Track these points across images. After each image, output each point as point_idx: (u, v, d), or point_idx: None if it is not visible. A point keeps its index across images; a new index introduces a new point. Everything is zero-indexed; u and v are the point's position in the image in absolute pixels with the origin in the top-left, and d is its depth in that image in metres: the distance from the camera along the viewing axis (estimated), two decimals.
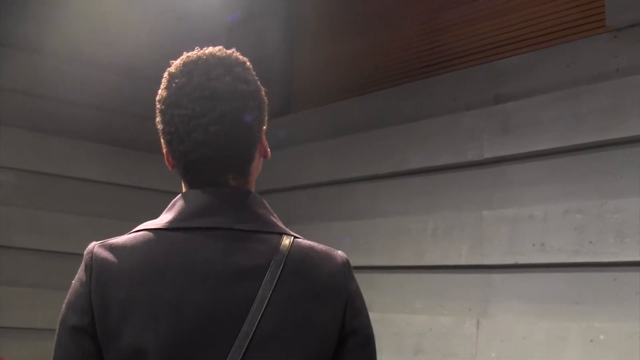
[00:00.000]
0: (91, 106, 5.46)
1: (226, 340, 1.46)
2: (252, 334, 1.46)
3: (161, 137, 1.62)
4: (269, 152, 1.70)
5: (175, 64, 1.64)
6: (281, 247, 1.54)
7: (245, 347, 1.45)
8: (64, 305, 1.55)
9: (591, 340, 3.58)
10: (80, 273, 1.55)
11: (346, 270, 1.60)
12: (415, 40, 4.83)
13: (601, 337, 3.54)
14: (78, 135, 5.42)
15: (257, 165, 1.67)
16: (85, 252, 1.56)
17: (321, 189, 5.14)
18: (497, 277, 4.05)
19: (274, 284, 1.49)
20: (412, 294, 4.46)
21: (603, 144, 3.67)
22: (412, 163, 4.58)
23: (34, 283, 5.19)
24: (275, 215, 1.63)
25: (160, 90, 1.62)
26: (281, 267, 1.51)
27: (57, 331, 1.54)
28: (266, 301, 1.48)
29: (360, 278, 4.59)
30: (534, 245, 3.87)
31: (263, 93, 1.67)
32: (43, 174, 5.32)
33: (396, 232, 4.59)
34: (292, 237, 1.58)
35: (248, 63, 1.66)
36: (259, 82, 1.66)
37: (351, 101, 5.12)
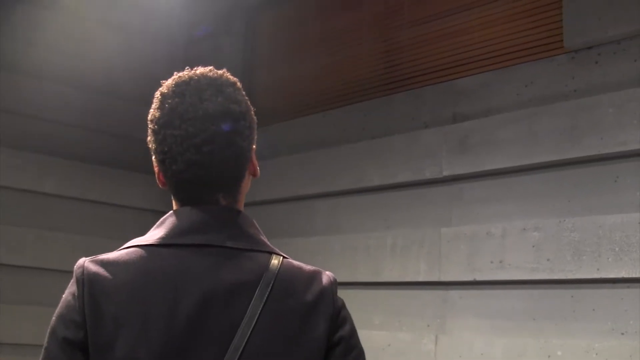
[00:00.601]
0: (47, 120, 5.45)
1: (216, 355, 1.47)
2: (241, 349, 1.46)
3: (153, 156, 1.63)
4: (258, 171, 1.71)
5: (167, 84, 1.64)
6: (271, 266, 1.55)
7: None
8: (54, 318, 1.53)
9: (549, 356, 3.63)
10: (71, 287, 1.54)
11: (334, 289, 1.61)
12: (374, 59, 4.87)
13: (559, 353, 3.60)
14: (33, 149, 5.39)
15: (246, 183, 1.68)
16: (75, 266, 1.54)
17: (279, 205, 5.15)
18: (455, 294, 4.09)
19: (264, 301, 1.50)
20: (370, 310, 4.48)
21: (560, 164, 3.74)
22: (371, 180, 4.61)
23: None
24: (264, 235, 1.65)
25: (152, 110, 1.63)
26: (271, 285, 1.52)
27: (45, 343, 1.53)
28: (256, 318, 1.48)
29: None
30: (492, 262, 3.92)
31: (253, 113, 1.68)
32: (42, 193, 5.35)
33: (354, 249, 4.61)
34: (282, 257, 1.59)
35: (239, 84, 1.67)
36: (249, 102, 1.67)
37: (309, 119, 5.15)
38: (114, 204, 5.71)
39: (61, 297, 1.55)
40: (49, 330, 1.53)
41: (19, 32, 5.30)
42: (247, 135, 1.63)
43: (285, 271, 1.56)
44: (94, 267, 1.52)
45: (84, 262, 1.54)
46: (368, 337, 4.39)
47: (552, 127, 3.79)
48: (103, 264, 1.53)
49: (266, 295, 1.51)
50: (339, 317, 1.59)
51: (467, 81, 4.26)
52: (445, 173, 4.21)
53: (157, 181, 1.65)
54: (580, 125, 3.69)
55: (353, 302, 4.46)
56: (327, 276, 1.62)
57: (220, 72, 1.66)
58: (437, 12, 4.51)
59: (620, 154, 3.54)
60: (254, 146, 1.68)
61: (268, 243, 1.62)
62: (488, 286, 3.95)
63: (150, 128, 1.61)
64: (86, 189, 5.63)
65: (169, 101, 1.59)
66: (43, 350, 1.52)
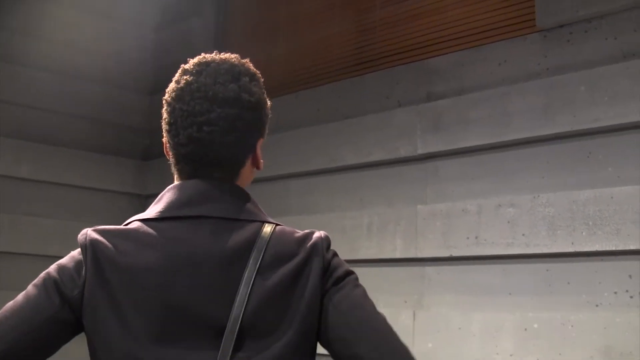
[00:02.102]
0: (19, 104, 5.44)
1: (216, 325, 1.52)
2: (241, 316, 1.52)
3: (163, 127, 1.70)
4: (262, 164, 1.77)
5: (192, 61, 1.71)
6: (263, 233, 1.60)
7: (236, 332, 1.51)
8: (53, 265, 1.59)
9: (525, 329, 3.71)
10: (74, 252, 1.60)
11: (324, 243, 1.65)
12: (346, 39, 4.90)
13: (535, 326, 3.68)
14: (7, 134, 5.38)
15: (247, 172, 1.74)
16: (79, 235, 1.60)
17: (254, 185, 5.17)
18: (432, 270, 4.16)
19: (257, 267, 1.56)
20: None
21: (533, 140, 3.82)
22: (346, 159, 4.66)
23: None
24: (259, 206, 1.70)
25: (171, 84, 1.70)
26: (263, 251, 1.57)
27: (33, 282, 1.59)
28: (251, 284, 1.54)
29: None
30: (468, 238, 3.99)
31: (267, 107, 1.75)
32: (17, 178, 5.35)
33: (331, 228, 4.65)
34: (274, 225, 1.65)
35: (258, 75, 1.75)
36: (264, 96, 1.74)
37: (282, 99, 5.16)
38: (89, 188, 5.71)
39: None
40: (41, 274, 1.59)
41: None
42: (253, 126, 1.70)
43: (277, 237, 1.62)
44: (96, 235, 1.58)
45: (87, 230, 1.61)
46: None
47: (525, 105, 3.85)
48: (104, 233, 1.59)
49: (259, 262, 1.56)
50: (330, 266, 1.63)
51: (440, 60, 4.31)
52: (420, 151, 4.27)
53: (165, 151, 1.73)
54: (552, 103, 3.76)
55: None
56: (317, 234, 1.68)
57: (243, 60, 1.74)
58: None
59: (592, 130, 3.61)
60: (262, 139, 1.73)
61: (262, 213, 1.68)
62: (464, 262, 4.02)
63: (164, 99, 1.68)
64: (61, 173, 5.62)
65: (186, 77, 1.66)
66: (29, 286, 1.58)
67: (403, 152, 4.35)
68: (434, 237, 4.14)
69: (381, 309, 4.15)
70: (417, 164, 4.32)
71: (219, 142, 1.64)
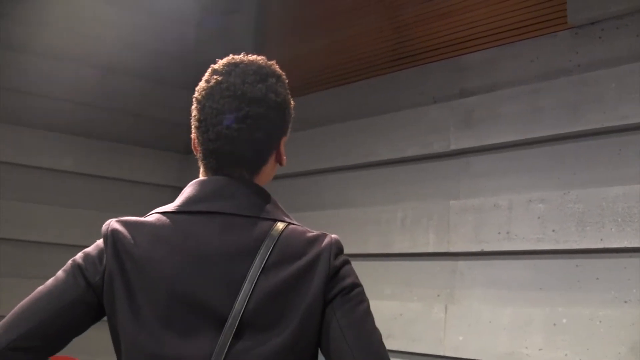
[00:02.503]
0: (63, 99, 5.57)
1: (219, 317, 1.61)
2: (242, 311, 1.60)
3: (192, 123, 1.79)
4: (285, 160, 1.85)
5: (221, 62, 1.80)
6: (273, 231, 1.67)
7: (236, 324, 1.59)
8: (79, 253, 1.72)
9: (554, 324, 3.74)
10: (99, 240, 1.72)
11: (333, 249, 1.71)
12: (382, 36, 4.95)
13: (564, 321, 3.71)
14: (51, 127, 5.53)
15: (270, 169, 1.83)
16: (103, 225, 1.72)
17: (291, 180, 5.27)
18: (463, 265, 4.21)
19: (262, 265, 1.63)
20: (382, 281, 4.61)
21: (564, 137, 3.84)
22: (381, 155, 4.72)
23: (6, 272, 5.29)
24: (278, 205, 1.78)
25: (201, 82, 1.79)
26: (270, 250, 1.64)
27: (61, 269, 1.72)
28: (254, 281, 1.61)
29: None
30: (499, 233, 4.03)
31: (291, 107, 1.83)
32: (16, 165, 5.43)
33: (365, 222, 4.73)
34: (287, 223, 1.72)
35: (284, 77, 1.83)
36: (289, 97, 1.82)
37: (320, 95, 5.25)
38: (132, 181, 5.84)
39: None
40: (69, 260, 1.72)
41: (31, 13, 5.39)
42: (278, 124, 1.78)
43: (287, 236, 1.68)
44: (118, 226, 1.70)
45: (111, 220, 1.72)
46: (380, 307, 4.50)
47: (555, 102, 3.88)
48: (126, 224, 1.70)
49: (265, 260, 1.63)
50: (338, 274, 1.69)
51: (473, 57, 4.35)
52: (453, 147, 4.31)
53: (192, 147, 1.82)
54: (583, 100, 3.78)
55: (365, 273, 4.58)
56: (328, 238, 1.74)
57: (270, 62, 1.81)
58: None
59: (622, 127, 3.63)
60: (286, 137, 1.81)
61: (277, 211, 1.75)
62: (495, 257, 4.06)
63: (194, 97, 1.78)
64: (104, 167, 5.76)
65: (216, 77, 1.75)
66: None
67: (436, 147, 4.40)
68: (465, 231, 4.19)
69: (414, 302, 4.24)
70: (449, 159, 4.36)
71: (246, 139, 1.72)
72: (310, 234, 1.73)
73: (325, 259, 1.68)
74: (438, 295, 4.30)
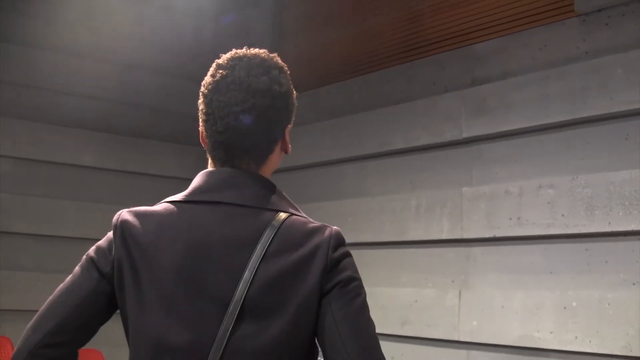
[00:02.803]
0: (84, 95, 5.68)
1: (220, 303, 1.67)
2: (242, 299, 1.65)
3: (200, 117, 1.84)
4: (290, 148, 1.90)
5: (225, 57, 1.84)
6: (274, 222, 1.72)
7: (237, 312, 1.65)
8: (93, 247, 1.80)
9: (564, 307, 3.80)
10: (109, 232, 1.80)
11: (332, 241, 1.72)
12: (396, 27, 5.02)
13: (574, 304, 3.77)
14: (71, 123, 5.65)
15: (276, 157, 1.87)
16: (115, 215, 1.80)
17: (310, 170, 5.36)
18: (477, 251, 4.27)
19: (262, 254, 1.68)
20: (397, 268, 4.68)
21: (572, 123, 3.89)
22: (395, 144, 4.80)
23: (33, 267, 5.42)
24: (282, 195, 1.83)
25: (206, 77, 1.84)
26: (270, 239, 1.69)
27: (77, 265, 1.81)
28: (254, 269, 1.67)
29: None
30: (510, 219, 4.09)
31: (294, 97, 1.88)
32: (38, 161, 5.55)
33: (381, 210, 4.81)
34: (289, 214, 1.76)
35: (285, 68, 1.88)
36: (291, 87, 1.87)
37: (336, 87, 5.33)
38: (150, 174, 5.94)
39: None
40: (84, 255, 1.80)
41: (50, 11, 5.51)
42: (282, 114, 1.83)
43: (288, 226, 1.72)
44: (127, 216, 1.77)
45: (122, 211, 1.79)
46: (396, 294, 4.61)
47: (564, 89, 3.93)
48: (135, 214, 1.78)
49: (265, 250, 1.68)
50: (337, 267, 1.71)
51: (484, 46, 4.41)
52: (465, 135, 4.38)
53: (201, 141, 1.86)
54: (590, 86, 3.83)
55: (381, 262, 4.70)
56: (328, 230, 1.75)
57: (271, 55, 1.86)
58: None
59: (629, 112, 3.68)
60: (290, 126, 1.86)
61: (281, 202, 1.79)
62: (507, 242, 4.12)
63: (201, 91, 1.83)
64: (123, 161, 5.88)
65: (221, 71, 1.79)
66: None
67: (449, 136, 4.47)
68: (478, 218, 4.25)
69: (429, 289, 4.30)
70: (462, 147, 4.43)
71: (254, 130, 1.78)
72: (311, 225, 1.76)
73: (324, 251, 1.71)
74: (452, 282, 4.37)
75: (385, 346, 4.86)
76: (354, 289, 1.71)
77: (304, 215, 1.80)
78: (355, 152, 5.07)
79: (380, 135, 4.89)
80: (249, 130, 1.77)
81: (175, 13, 5.85)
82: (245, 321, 1.66)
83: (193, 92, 6.29)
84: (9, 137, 5.39)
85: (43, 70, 5.50)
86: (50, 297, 1.78)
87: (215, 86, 1.79)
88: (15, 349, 1.74)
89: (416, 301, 4.50)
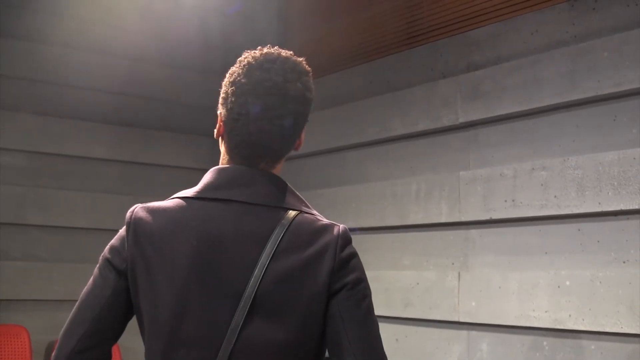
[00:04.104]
0: (94, 89, 5.81)
1: (231, 300, 1.74)
2: (253, 296, 1.72)
3: (225, 113, 1.87)
4: (300, 146, 1.95)
5: (255, 56, 1.87)
6: (284, 220, 1.79)
7: (248, 307, 1.72)
8: (107, 247, 1.87)
9: (558, 287, 3.89)
10: (122, 229, 1.86)
11: (340, 241, 1.80)
12: (396, 15, 5.10)
13: (567, 283, 3.85)
14: (82, 116, 5.79)
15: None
16: (128, 211, 1.86)
17: (315, 157, 5.46)
18: (475, 233, 4.36)
19: (272, 252, 1.75)
20: (399, 252, 4.78)
21: (562, 106, 3.97)
22: (395, 130, 4.89)
23: (48, 257, 5.56)
24: (293, 192, 1.89)
25: (238, 76, 1.85)
26: (280, 237, 1.76)
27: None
28: (265, 267, 1.74)
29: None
30: (505, 201, 4.17)
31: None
32: (51, 154, 5.70)
33: (383, 195, 4.90)
34: (299, 212, 1.83)
35: (311, 73, 1.91)
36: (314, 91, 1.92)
37: (339, 74, 5.43)
38: (162, 165, 6.06)
39: None
40: (100, 257, 1.87)
41: (60, 6, 5.62)
42: (306, 118, 1.89)
43: (297, 225, 1.79)
44: (140, 212, 1.83)
45: (136, 207, 1.86)
46: (398, 277, 4.71)
47: (554, 72, 4.00)
48: (148, 210, 1.84)
49: (275, 247, 1.75)
50: (345, 267, 1.79)
51: (479, 32, 4.48)
52: (461, 120, 4.46)
53: (216, 132, 1.91)
54: (579, 69, 3.90)
55: (383, 245, 4.81)
56: (336, 229, 1.82)
57: (300, 59, 1.90)
58: None
59: (616, 94, 3.74)
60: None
61: (292, 200, 1.86)
62: (503, 224, 4.21)
63: (232, 89, 1.85)
64: (135, 153, 6.01)
65: (257, 73, 1.83)
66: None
67: (446, 121, 4.55)
68: (475, 201, 4.34)
69: (429, 271, 4.39)
70: (458, 132, 4.51)
71: (286, 134, 1.85)
72: (319, 223, 1.82)
73: (332, 250, 1.78)
74: (453, 264, 4.46)
75: (390, 328, 5.04)
76: (361, 291, 1.80)
77: (314, 212, 1.87)
78: (358, 138, 5.17)
79: (381, 122, 4.99)
80: (282, 134, 1.83)
81: (182, 8, 5.95)
82: (255, 317, 1.73)
83: (201, 83, 6.43)
84: (22, 131, 5.53)
85: (53, 65, 5.62)
86: (77, 303, 1.85)
87: (252, 88, 1.81)
88: (52, 356, 1.82)
89: (417, 283, 4.60)
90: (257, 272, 1.73)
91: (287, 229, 1.77)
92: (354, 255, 1.81)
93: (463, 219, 4.41)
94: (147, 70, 6.00)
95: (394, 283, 4.73)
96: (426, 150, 4.71)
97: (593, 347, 3.73)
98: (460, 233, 4.44)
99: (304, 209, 1.84)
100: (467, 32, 4.56)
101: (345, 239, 1.81)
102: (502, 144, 4.26)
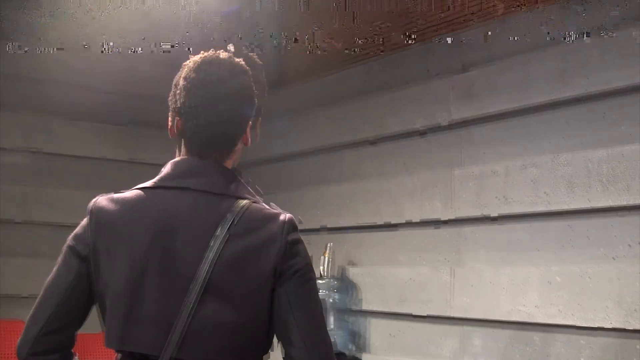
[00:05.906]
0: (94, 89, 5.88)
1: (185, 281, 1.86)
2: (204, 277, 1.84)
3: (175, 109, 2.01)
4: (250, 142, 2.07)
5: (201, 57, 2.00)
6: (235, 207, 1.91)
7: (200, 289, 1.84)
8: (70, 235, 1.99)
9: (549, 282, 3.94)
10: (84, 219, 1.99)
11: (286, 226, 1.93)
12: (393, 15, 5.14)
13: (557, 279, 3.91)
14: (82, 116, 5.86)
15: (239, 149, 2.06)
16: (91, 200, 1.99)
17: (310, 156, 5.53)
18: (468, 230, 4.42)
19: (223, 237, 1.87)
20: (394, 248, 4.85)
21: (552, 104, 4.02)
22: (390, 128, 4.96)
23: (50, 254, 5.62)
24: (243, 184, 2.01)
25: (186, 72, 1.99)
26: (230, 224, 1.88)
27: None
28: (215, 250, 1.86)
29: (348, 237, 4.96)
30: (497, 198, 4.23)
31: (255, 97, 2.05)
32: (53, 154, 5.78)
33: (378, 193, 4.97)
34: (249, 201, 1.95)
35: (250, 72, 2.03)
36: (254, 88, 2.04)
37: (336, 75, 5.50)
38: (163, 165, 6.11)
39: None
40: (64, 246, 1.99)
41: (61, 7, 5.68)
42: (249, 113, 2.02)
43: (247, 213, 1.91)
44: (102, 202, 1.97)
45: (97, 197, 2.00)
46: (393, 274, 4.77)
47: (544, 71, 4.06)
48: (109, 199, 1.97)
49: (225, 232, 1.87)
50: (291, 251, 1.91)
51: (471, 33, 4.54)
52: (454, 118, 4.53)
53: (169, 132, 2.05)
54: (568, 68, 3.96)
55: (379, 242, 4.87)
56: (283, 217, 1.95)
57: (238, 59, 2.01)
58: None
59: (605, 92, 3.80)
60: (251, 122, 2.04)
61: (242, 191, 1.98)
62: (494, 221, 4.27)
63: (182, 84, 1.99)
64: (136, 152, 6.07)
65: (205, 68, 1.96)
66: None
67: (440, 119, 4.61)
68: (468, 198, 4.40)
69: (423, 267, 4.44)
70: (452, 130, 4.57)
71: (230, 126, 1.98)
72: (267, 211, 1.95)
73: (279, 236, 1.91)
74: (446, 259, 4.52)
75: (384, 323, 5.10)
76: (306, 273, 1.94)
77: (262, 203, 1.99)
78: (353, 137, 5.24)
79: (376, 121, 5.05)
80: (224, 125, 1.97)
81: (182, 10, 6.00)
82: (209, 299, 1.85)
83: None
84: (24, 131, 5.61)
85: (53, 64, 5.66)
86: (42, 289, 1.97)
87: (201, 83, 1.95)
88: (18, 340, 1.95)
89: (411, 279, 4.66)
90: (211, 255, 1.85)
91: (237, 216, 1.89)
92: (299, 241, 1.95)
93: (456, 215, 4.47)
94: (146, 70, 6.05)
95: (389, 279, 4.80)
96: (420, 148, 4.77)
97: (582, 341, 3.78)
98: (454, 230, 4.50)
99: (253, 198, 1.96)
100: (460, 32, 4.61)
101: (291, 226, 1.94)
102: (494, 141, 4.32)
